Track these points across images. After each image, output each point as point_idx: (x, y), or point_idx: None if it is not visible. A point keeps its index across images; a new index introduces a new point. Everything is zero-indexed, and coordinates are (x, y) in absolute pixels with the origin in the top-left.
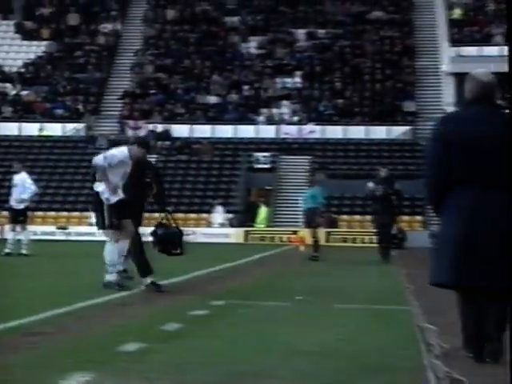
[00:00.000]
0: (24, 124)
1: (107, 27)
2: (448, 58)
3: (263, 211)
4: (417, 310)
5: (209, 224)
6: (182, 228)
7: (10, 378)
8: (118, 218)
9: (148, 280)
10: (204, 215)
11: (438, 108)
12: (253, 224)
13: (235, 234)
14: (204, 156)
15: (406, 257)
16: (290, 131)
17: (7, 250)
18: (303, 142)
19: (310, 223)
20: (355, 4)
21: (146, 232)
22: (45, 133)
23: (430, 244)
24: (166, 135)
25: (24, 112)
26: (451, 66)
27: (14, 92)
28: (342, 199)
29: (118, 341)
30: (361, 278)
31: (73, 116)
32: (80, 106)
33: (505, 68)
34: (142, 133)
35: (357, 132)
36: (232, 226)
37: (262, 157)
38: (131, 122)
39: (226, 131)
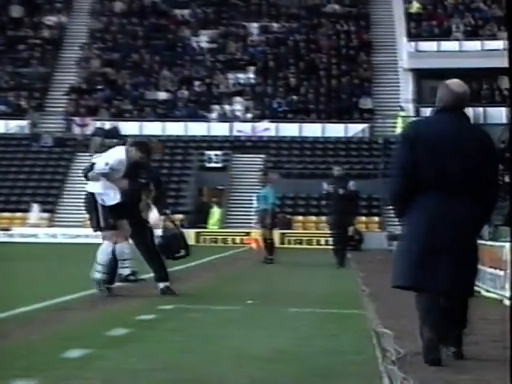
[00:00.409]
0: None
1: (52, 20)
2: (406, 53)
3: (216, 212)
4: (372, 314)
5: None
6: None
7: None
8: (114, 218)
9: (161, 285)
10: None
11: (396, 105)
12: (205, 226)
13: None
14: (154, 154)
15: (362, 259)
16: (243, 129)
17: None
18: (257, 140)
19: (264, 224)
20: None
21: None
22: None
23: (388, 246)
24: (113, 133)
25: None
26: (409, 61)
27: None
28: (296, 199)
29: (61, 347)
30: (316, 281)
31: (16, 112)
32: (23, 102)
33: (465, 64)
34: (88, 130)
35: (312, 130)
36: (183, 226)
37: (214, 155)
38: (77, 119)
39: (176, 129)
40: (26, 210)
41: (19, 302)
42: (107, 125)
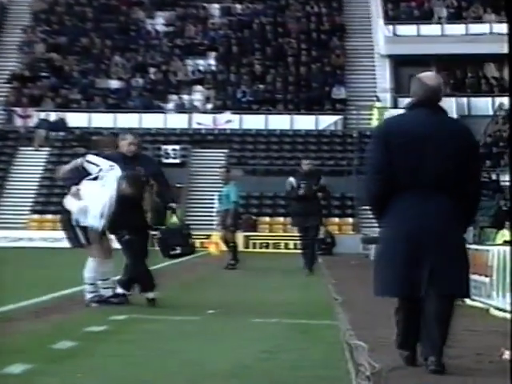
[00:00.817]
0: None
1: None
2: (383, 37)
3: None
4: (345, 325)
5: None
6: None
7: None
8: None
9: (150, 295)
10: None
11: (371, 95)
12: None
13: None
14: (104, 149)
15: (335, 264)
16: (204, 121)
17: None
18: (218, 134)
19: (226, 226)
20: None
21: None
22: None
23: (363, 250)
24: (60, 125)
25: None
26: (387, 46)
27: None
28: (262, 199)
29: (2, 362)
30: (283, 289)
31: None
32: None
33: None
34: (32, 122)
35: (280, 122)
36: None
37: (172, 150)
38: (19, 110)
39: (129, 121)
40: None
41: None
42: (52, 116)
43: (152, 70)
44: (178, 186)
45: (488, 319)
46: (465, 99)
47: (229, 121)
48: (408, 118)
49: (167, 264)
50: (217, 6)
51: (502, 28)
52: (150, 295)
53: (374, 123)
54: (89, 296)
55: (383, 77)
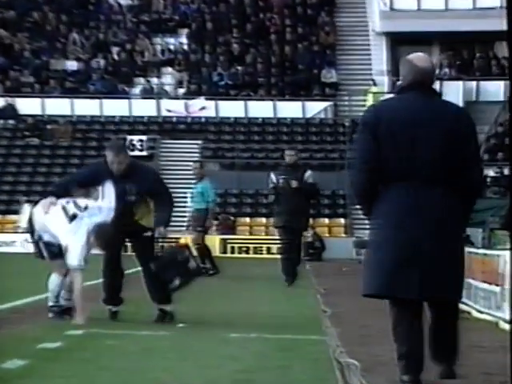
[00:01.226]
0: None
1: None
2: (378, 12)
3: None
4: (335, 341)
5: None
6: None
7: None
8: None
9: (108, 307)
10: None
11: (366, 78)
12: None
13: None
14: (61, 139)
15: (324, 271)
16: (174, 108)
17: None
18: (191, 122)
19: (198, 227)
20: None
21: None
22: None
23: (356, 255)
24: (9, 112)
25: None
26: (383, 23)
27: None
28: (241, 197)
29: None
30: (265, 300)
31: None
32: None
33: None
34: None
35: (262, 109)
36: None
37: (138, 141)
38: None
39: (89, 107)
40: None
41: None
42: (1, 102)
43: (115, 49)
44: None
45: (497, 334)
46: (473, 83)
47: (203, 108)
48: (398, 103)
49: (132, 271)
50: None
51: None
52: (114, 308)
53: None
54: (49, 304)
55: (379, 57)
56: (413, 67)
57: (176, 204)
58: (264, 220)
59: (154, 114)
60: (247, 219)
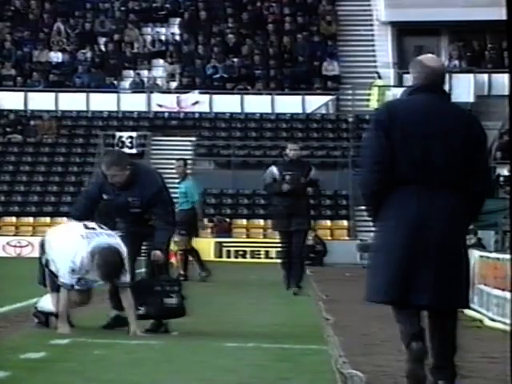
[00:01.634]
0: None
1: None
2: (383, 0)
3: None
4: (338, 350)
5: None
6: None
7: None
8: None
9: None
10: (46, 219)
11: (370, 71)
12: None
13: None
14: (45, 136)
15: (325, 277)
16: (166, 102)
17: None
18: (184, 118)
19: (182, 231)
20: None
21: None
22: None
23: (360, 259)
24: None
25: None
26: (388, 12)
27: None
28: (238, 197)
29: None
30: (263, 307)
31: None
32: None
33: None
34: None
35: (259, 104)
36: None
37: (127, 138)
38: None
39: (75, 101)
40: None
41: None
42: None
43: (102, 40)
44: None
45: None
46: (484, 76)
47: (196, 102)
48: (412, 104)
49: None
50: None
51: None
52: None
53: (374, 105)
54: (34, 310)
55: (384, 48)
56: (425, 67)
57: None
58: (262, 222)
59: (145, 108)
60: (244, 221)
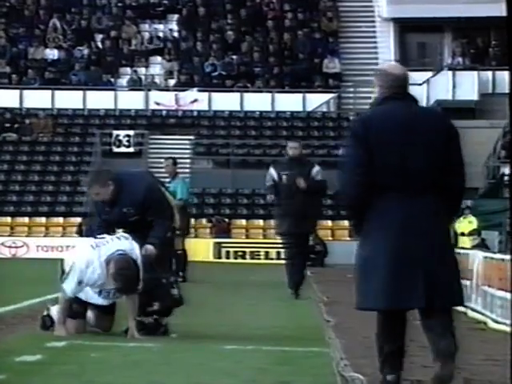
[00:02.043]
0: None
1: None
2: None
3: None
4: (339, 353)
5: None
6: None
7: None
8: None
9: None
10: (42, 220)
11: (372, 68)
12: None
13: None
14: (41, 135)
15: (326, 278)
16: (164, 100)
17: None
18: (182, 116)
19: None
20: None
21: None
22: None
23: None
24: None
25: None
26: (390, 8)
27: None
28: (237, 197)
29: None
30: (262, 309)
31: None
32: None
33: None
34: None
35: (259, 102)
36: (80, 234)
37: (124, 136)
38: None
39: (71, 100)
40: None
41: None
42: None
43: (99, 36)
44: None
45: None
46: (488, 73)
47: (195, 100)
48: (385, 113)
49: None
50: None
51: None
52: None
53: None
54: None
55: (386, 45)
56: (389, 76)
57: None
58: (261, 222)
59: (142, 107)
60: (243, 221)
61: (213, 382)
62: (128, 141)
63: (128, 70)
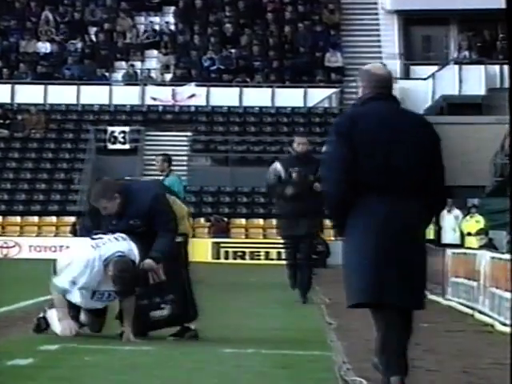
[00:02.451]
0: None
1: None
2: None
3: None
4: (341, 357)
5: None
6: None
7: None
8: None
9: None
10: (34, 219)
11: (375, 62)
12: None
13: None
14: (33, 131)
15: (329, 279)
16: (160, 95)
17: None
18: (180, 112)
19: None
20: None
21: None
22: None
23: None
24: None
25: None
26: (393, 0)
27: None
28: (236, 195)
29: None
30: (262, 311)
31: None
32: None
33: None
34: None
35: (258, 97)
36: (74, 233)
37: (120, 133)
38: None
39: (64, 94)
40: None
41: None
42: None
43: (93, 29)
44: (129, 178)
45: None
46: (496, 67)
47: (193, 95)
48: (370, 112)
49: None
50: None
51: None
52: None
53: None
54: (41, 315)
55: (390, 39)
56: (372, 76)
57: None
58: (261, 221)
59: (138, 102)
60: (242, 220)
61: None
62: (123, 137)
63: (123, 64)
